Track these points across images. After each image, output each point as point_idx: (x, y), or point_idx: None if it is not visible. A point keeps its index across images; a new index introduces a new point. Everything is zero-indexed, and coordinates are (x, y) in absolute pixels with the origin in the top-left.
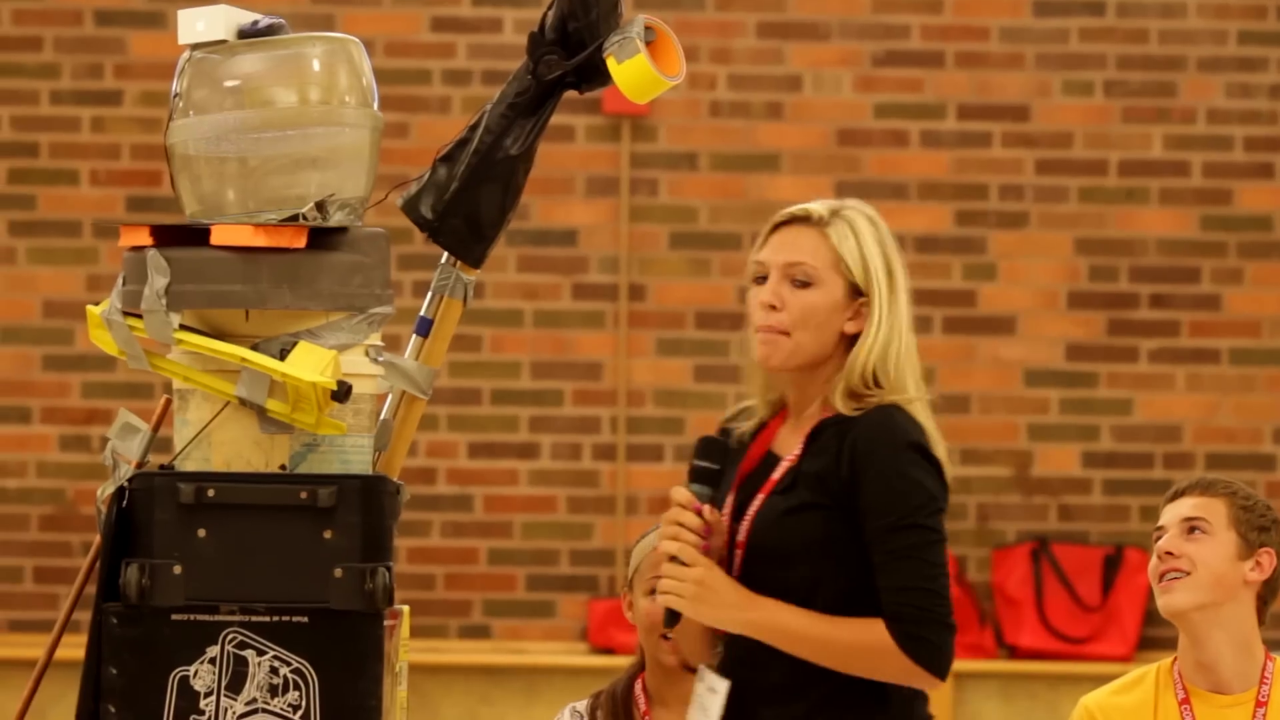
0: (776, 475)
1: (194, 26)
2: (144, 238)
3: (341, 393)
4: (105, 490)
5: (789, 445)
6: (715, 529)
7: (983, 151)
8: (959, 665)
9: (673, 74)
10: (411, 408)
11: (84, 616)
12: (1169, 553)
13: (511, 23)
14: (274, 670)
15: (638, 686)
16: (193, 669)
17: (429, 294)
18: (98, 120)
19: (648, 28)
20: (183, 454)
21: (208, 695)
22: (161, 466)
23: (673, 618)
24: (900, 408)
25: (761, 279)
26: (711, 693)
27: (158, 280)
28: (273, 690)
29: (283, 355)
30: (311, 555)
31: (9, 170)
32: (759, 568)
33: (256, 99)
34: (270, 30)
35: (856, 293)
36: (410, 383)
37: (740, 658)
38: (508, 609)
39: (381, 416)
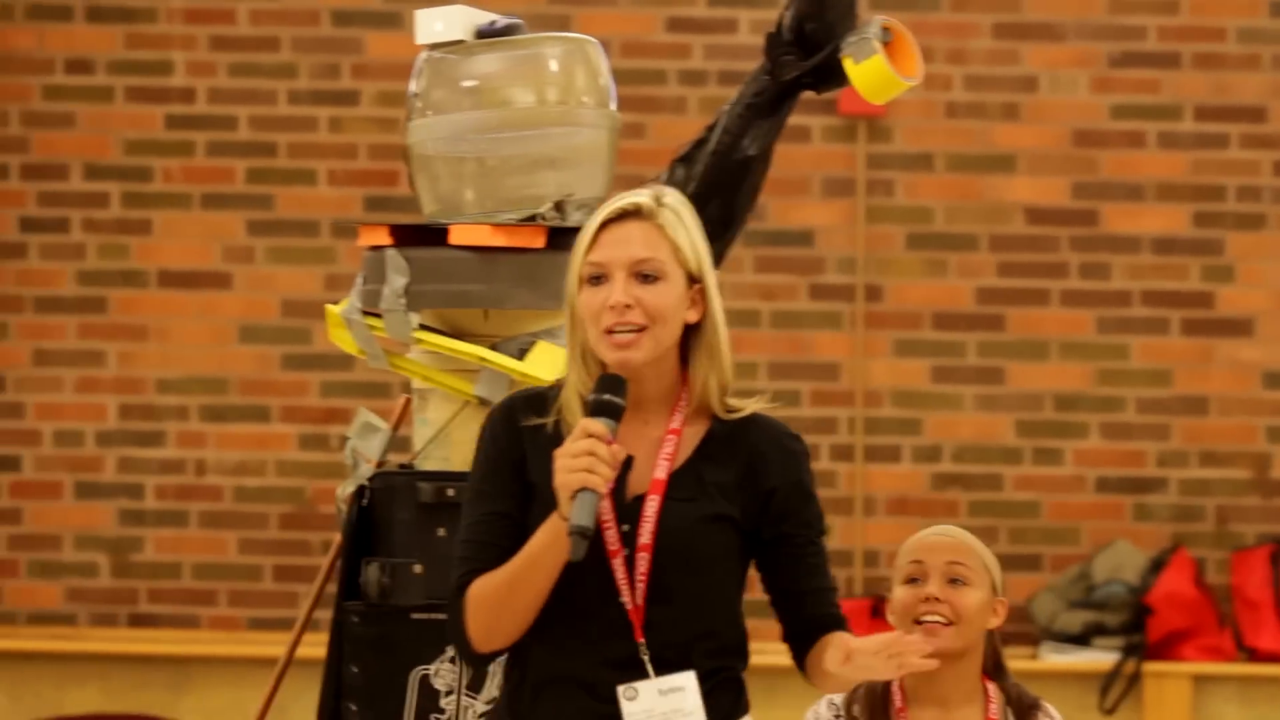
0: (662, 476)
1: (432, 27)
2: (383, 237)
3: None
4: (345, 489)
5: (641, 445)
6: (616, 467)
7: (1220, 153)
8: (1198, 668)
9: (910, 75)
10: None
11: (324, 615)
12: None
13: (747, 23)
14: None
15: (895, 684)
16: (433, 668)
17: None
18: (335, 120)
19: (885, 28)
20: (422, 453)
21: (448, 694)
22: (401, 465)
23: (581, 541)
24: (764, 415)
25: (596, 279)
26: (678, 691)
27: (396, 280)
28: None
29: (521, 355)
30: None
31: (248, 170)
32: (672, 574)
33: (494, 99)
34: (508, 30)
35: (691, 280)
36: None
37: (663, 657)
38: (748, 609)
39: None
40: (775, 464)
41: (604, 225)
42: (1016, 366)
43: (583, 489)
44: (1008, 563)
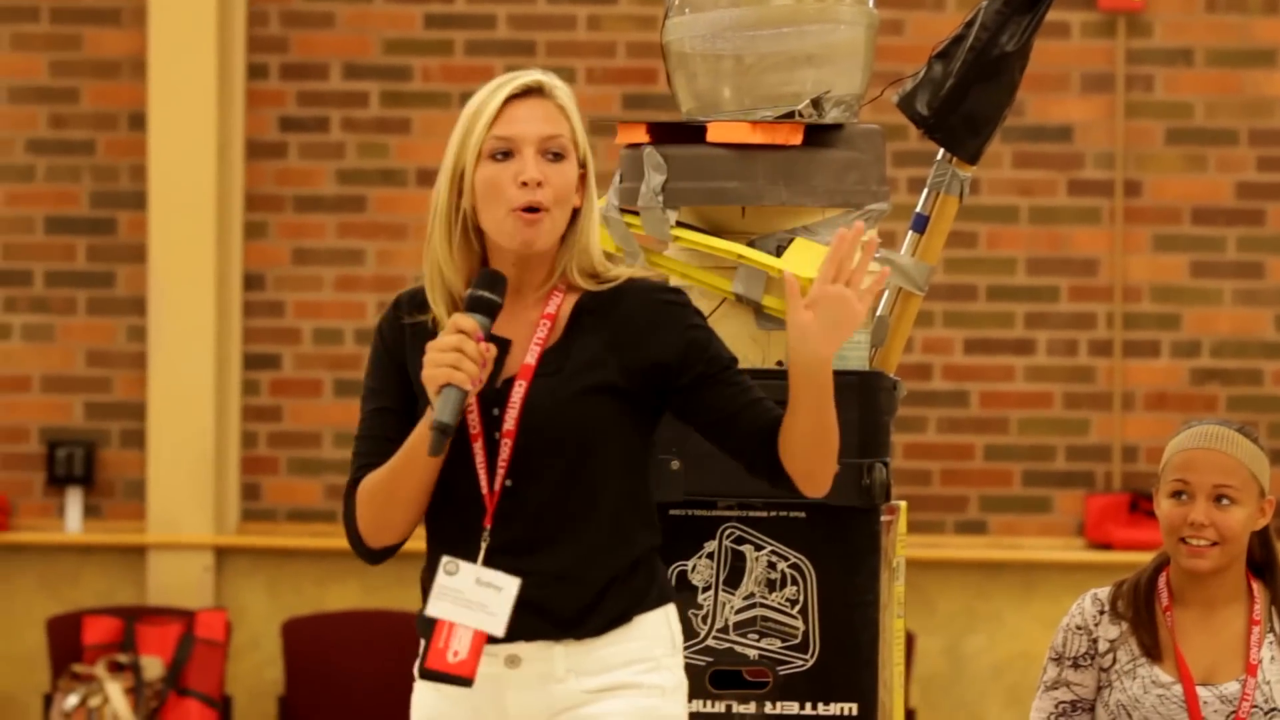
0: (531, 360)
1: None
2: (640, 135)
3: None
4: None
5: (520, 329)
6: (486, 365)
7: None
8: None
9: None
10: (908, 304)
11: None
12: None
13: None
14: (771, 565)
15: (1161, 580)
16: (691, 564)
17: (925, 190)
18: (594, 18)
19: None
20: None
21: (706, 590)
22: None
23: (440, 436)
24: (640, 278)
25: (504, 154)
26: (493, 589)
27: (654, 177)
28: (770, 585)
29: (779, 251)
30: None
31: (506, 68)
32: (536, 456)
33: None
34: None
35: (580, 165)
36: (907, 279)
37: (514, 546)
38: (1004, 504)
39: (878, 313)
40: (658, 324)
41: (509, 100)
42: (1276, 261)
43: (447, 384)
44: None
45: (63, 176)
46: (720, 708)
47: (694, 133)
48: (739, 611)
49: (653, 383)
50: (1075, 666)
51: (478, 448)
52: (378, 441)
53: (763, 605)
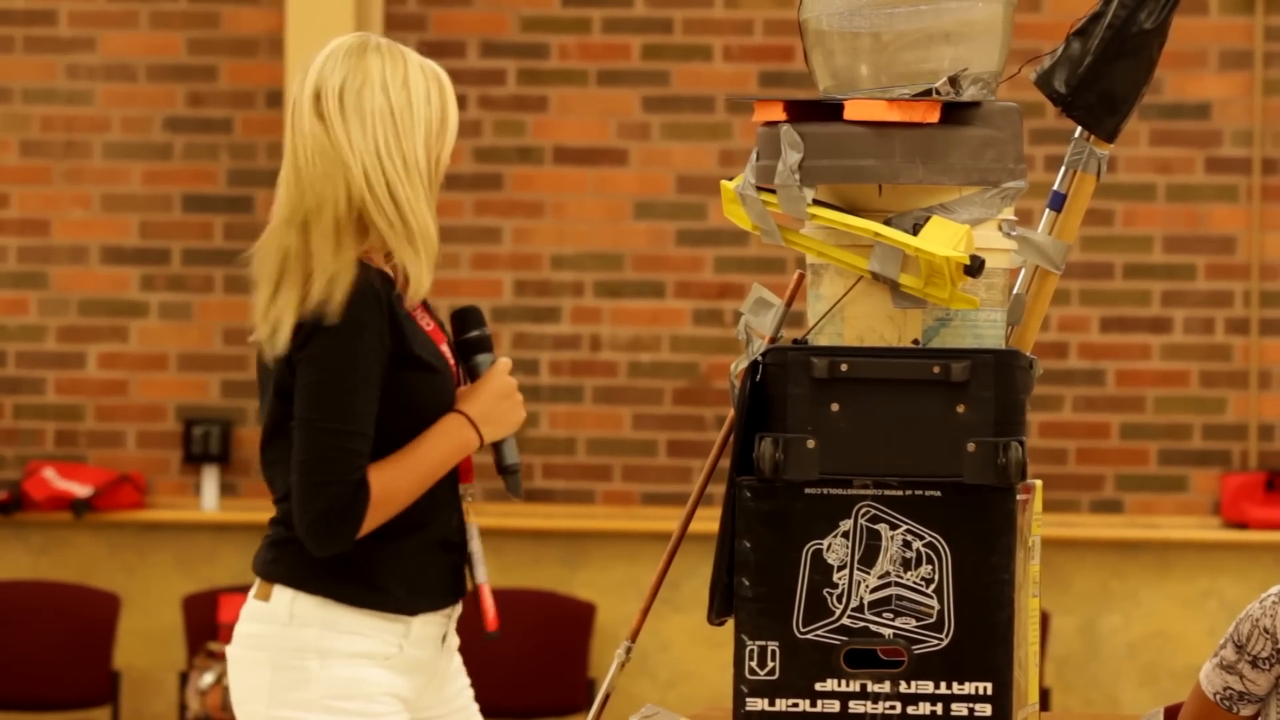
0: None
1: None
2: (777, 113)
3: (975, 267)
4: (739, 364)
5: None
6: None
7: None
8: None
9: None
10: (1044, 282)
11: (717, 490)
12: None
13: None
14: (906, 544)
15: None
16: (826, 542)
17: (1062, 168)
18: None
19: None
20: (816, 329)
21: (840, 569)
22: (795, 341)
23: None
24: None
25: None
26: (476, 538)
27: (791, 155)
28: (905, 564)
29: (915, 230)
30: (944, 429)
31: (643, 46)
32: None
33: None
34: None
35: None
36: (1043, 257)
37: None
38: (1140, 483)
39: (1014, 291)
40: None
41: None
42: None
43: None
44: None
45: (200, 155)
46: (855, 686)
47: (831, 110)
48: (874, 590)
49: None
50: (1253, 665)
51: None
52: (371, 440)
53: (898, 584)
